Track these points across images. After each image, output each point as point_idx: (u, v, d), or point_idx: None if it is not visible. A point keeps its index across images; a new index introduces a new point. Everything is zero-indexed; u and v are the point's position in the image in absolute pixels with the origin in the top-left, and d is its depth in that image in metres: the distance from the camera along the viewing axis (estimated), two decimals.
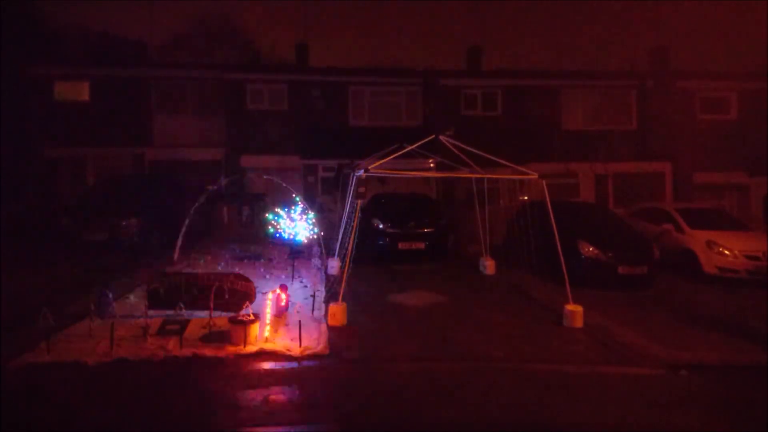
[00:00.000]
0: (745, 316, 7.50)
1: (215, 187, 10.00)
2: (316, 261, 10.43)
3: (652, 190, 16.34)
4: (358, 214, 7.64)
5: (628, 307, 7.89)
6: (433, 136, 9.24)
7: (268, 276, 8.99)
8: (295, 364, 5.28)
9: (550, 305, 7.65)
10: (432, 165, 14.43)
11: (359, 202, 7.74)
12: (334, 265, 9.73)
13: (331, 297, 7.51)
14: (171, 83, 17.10)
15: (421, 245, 10.99)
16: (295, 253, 10.87)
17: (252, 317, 5.72)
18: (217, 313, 6.19)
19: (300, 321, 5.95)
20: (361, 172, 7.54)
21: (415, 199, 12.74)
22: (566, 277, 7.14)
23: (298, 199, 10.82)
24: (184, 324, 5.95)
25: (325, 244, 10.65)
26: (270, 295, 6.70)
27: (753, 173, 17.03)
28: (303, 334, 5.76)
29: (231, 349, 5.45)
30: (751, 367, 5.63)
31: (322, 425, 4.14)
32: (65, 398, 4.48)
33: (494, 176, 9.37)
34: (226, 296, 6.46)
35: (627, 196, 15.90)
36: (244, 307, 5.98)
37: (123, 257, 10.33)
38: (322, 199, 15.52)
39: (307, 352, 5.51)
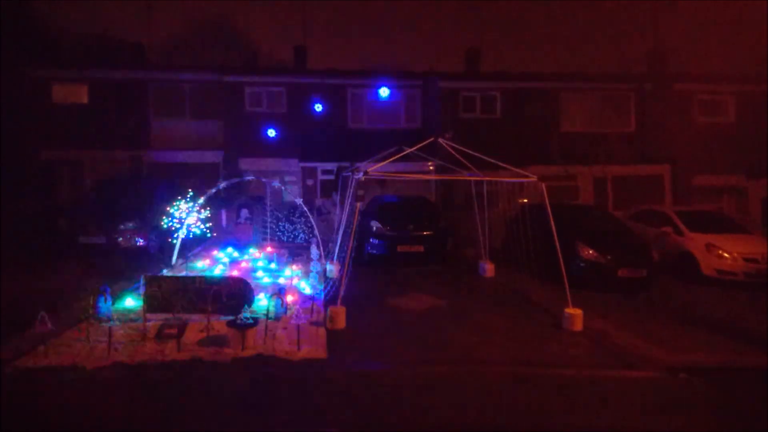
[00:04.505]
0: (744, 318, 7.50)
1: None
2: (314, 264, 10.41)
3: (650, 193, 16.37)
4: (357, 216, 7.62)
5: (628, 310, 7.88)
6: (432, 138, 9.24)
7: (266, 279, 8.97)
8: (293, 368, 5.25)
9: (549, 308, 7.64)
10: (431, 168, 14.45)
11: (358, 204, 7.73)
12: (332, 268, 9.70)
13: (329, 300, 7.49)
14: (169, 86, 17.10)
15: (421, 248, 10.97)
16: (293, 256, 10.86)
17: (250, 321, 5.69)
18: (215, 317, 6.17)
19: (298, 325, 5.93)
20: (360, 175, 7.53)
21: (415, 201, 12.73)
22: (565, 279, 7.13)
23: (297, 202, 10.82)
24: (182, 328, 5.92)
25: (324, 247, 10.63)
26: (268, 299, 6.69)
27: (751, 176, 17.07)
28: (301, 338, 5.74)
29: (229, 353, 5.43)
30: (751, 369, 5.63)
31: (320, 430, 4.11)
32: (63, 402, 4.45)
33: (493, 179, 9.37)
34: (224, 299, 6.44)
35: (626, 199, 15.93)
36: (243, 310, 5.96)
37: (121, 260, 10.31)
38: (321, 202, 15.51)
39: (306, 356, 5.48)
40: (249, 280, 7.12)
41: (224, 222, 13.85)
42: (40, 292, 7.76)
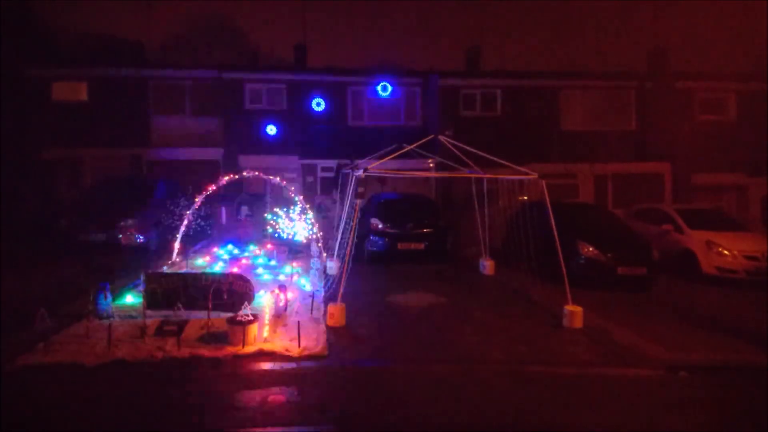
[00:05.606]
0: (745, 316, 7.50)
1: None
2: (315, 261, 10.41)
3: (651, 191, 16.34)
4: (357, 214, 7.62)
5: (628, 307, 7.88)
6: (432, 136, 9.24)
7: (266, 276, 8.96)
8: (293, 365, 5.25)
9: (549, 306, 7.63)
10: (431, 165, 14.43)
11: (358, 202, 7.73)
12: (333, 265, 9.70)
13: (330, 297, 7.49)
14: (169, 83, 17.07)
15: (421, 246, 10.97)
16: (294, 253, 10.84)
17: (250, 318, 5.69)
18: (215, 314, 6.17)
19: (299, 321, 5.93)
20: (360, 172, 7.52)
21: (415, 199, 12.72)
22: (566, 277, 7.12)
23: (296, 199, 10.81)
24: (182, 325, 5.92)
25: (324, 244, 10.63)
26: (268, 296, 6.68)
27: (752, 174, 17.05)
28: (302, 335, 5.73)
29: (229, 350, 5.43)
30: (751, 367, 5.62)
31: (320, 426, 4.11)
32: (63, 399, 4.45)
33: (494, 176, 9.36)
34: (225, 296, 6.44)
35: (626, 197, 15.91)
36: (243, 307, 5.96)
37: (121, 258, 10.30)
38: (321, 199, 15.50)
39: (306, 352, 5.48)
40: (249, 277, 7.11)
41: (224, 219, 13.83)
42: (40, 290, 7.77)
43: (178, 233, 9.76)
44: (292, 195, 11.17)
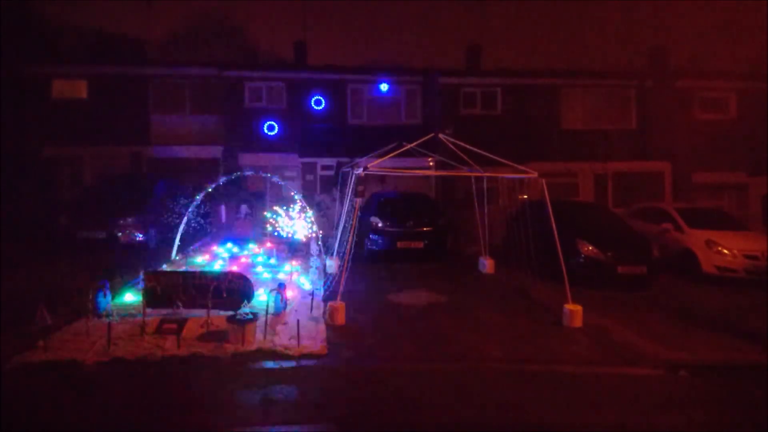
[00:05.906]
0: (744, 315, 7.50)
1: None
2: (314, 260, 10.41)
3: (651, 190, 16.34)
4: (357, 212, 7.61)
5: (628, 306, 7.88)
6: (433, 134, 9.22)
7: (266, 275, 8.96)
8: (293, 364, 5.25)
9: (549, 305, 7.63)
10: (431, 164, 14.42)
11: (358, 200, 7.71)
12: (332, 263, 9.70)
13: (329, 296, 7.49)
14: (169, 81, 17.04)
15: (420, 244, 10.97)
16: (293, 251, 10.84)
17: (250, 316, 5.69)
18: (215, 312, 6.16)
19: (298, 320, 5.92)
20: (360, 171, 7.51)
21: (414, 198, 12.71)
22: (566, 276, 7.11)
23: (296, 197, 10.80)
24: (182, 323, 5.91)
25: (323, 243, 10.62)
26: (268, 294, 6.68)
27: (752, 173, 17.04)
28: (301, 334, 5.73)
29: (229, 349, 5.42)
30: (751, 366, 5.62)
31: (320, 425, 4.11)
32: (62, 397, 4.45)
33: (494, 175, 9.35)
34: (224, 295, 6.42)
35: (626, 196, 15.90)
36: (242, 305, 5.95)
37: (121, 256, 10.30)
38: (321, 198, 15.49)
39: (306, 351, 5.48)
40: (249, 276, 7.11)
41: (224, 217, 13.84)
42: (39, 287, 7.76)
43: (177, 231, 9.76)
44: (292, 193, 11.16)
